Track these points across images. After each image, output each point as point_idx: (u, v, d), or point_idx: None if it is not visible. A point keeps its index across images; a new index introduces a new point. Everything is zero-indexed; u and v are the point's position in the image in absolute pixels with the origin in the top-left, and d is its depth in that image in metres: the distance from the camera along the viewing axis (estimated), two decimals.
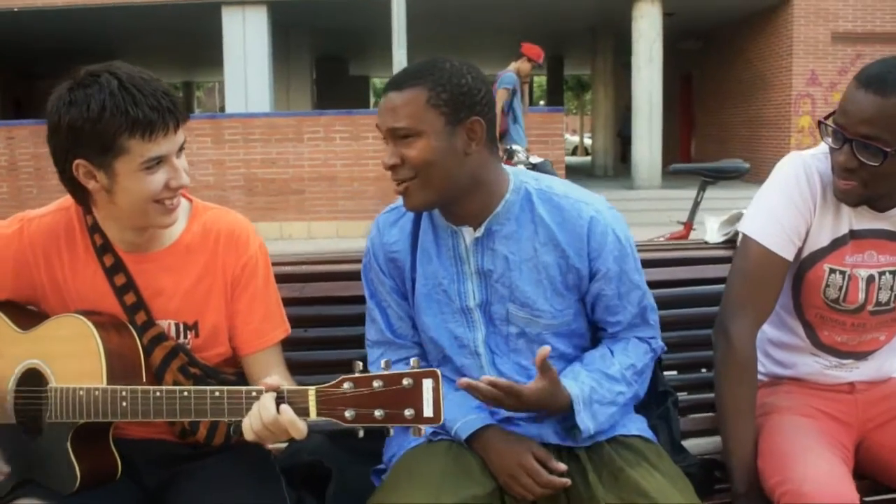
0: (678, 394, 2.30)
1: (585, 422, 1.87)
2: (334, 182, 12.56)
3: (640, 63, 16.54)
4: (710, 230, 2.70)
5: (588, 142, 34.31)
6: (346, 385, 1.56)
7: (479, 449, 1.90)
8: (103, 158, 1.74)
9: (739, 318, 2.02)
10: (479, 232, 1.94)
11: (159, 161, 1.77)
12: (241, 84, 15.89)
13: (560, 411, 1.87)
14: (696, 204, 4.76)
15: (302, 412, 1.61)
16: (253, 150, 12.58)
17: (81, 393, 1.77)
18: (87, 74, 1.76)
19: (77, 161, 1.76)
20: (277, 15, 16.27)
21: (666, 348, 2.10)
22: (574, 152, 37.83)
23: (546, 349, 1.78)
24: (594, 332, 2.07)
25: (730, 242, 2.60)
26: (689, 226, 4.87)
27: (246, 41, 15.98)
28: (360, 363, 1.58)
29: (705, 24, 19.93)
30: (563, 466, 1.87)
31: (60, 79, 1.80)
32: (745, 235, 2.07)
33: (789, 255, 2.04)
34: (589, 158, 26.70)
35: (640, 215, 11.02)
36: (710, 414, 2.48)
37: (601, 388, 1.90)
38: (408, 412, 1.53)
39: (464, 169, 1.86)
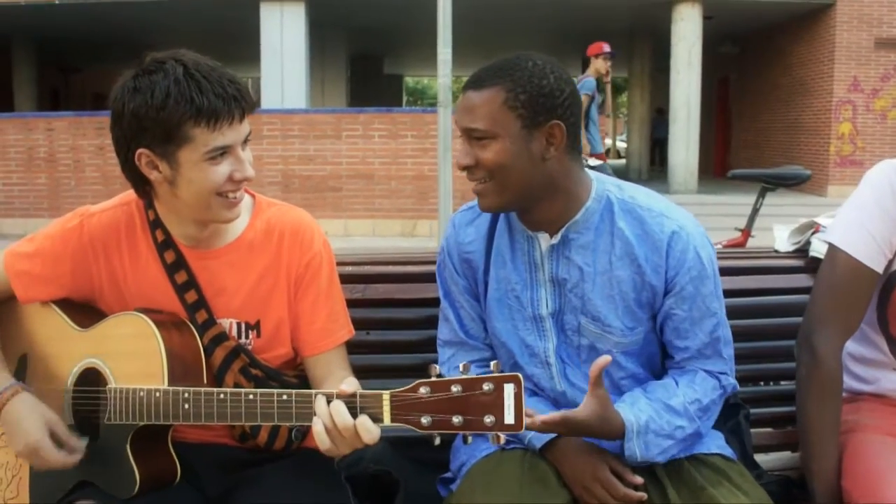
0: None
1: (633, 450, 1.77)
2: (371, 180, 12.50)
3: (679, 66, 16.36)
4: (780, 238, 2.60)
5: (620, 145, 34.09)
6: (422, 389, 1.49)
7: (554, 459, 1.83)
8: (166, 147, 1.69)
9: (825, 331, 1.93)
10: (556, 239, 1.86)
11: (224, 152, 1.71)
12: (277, 80, 15.90)
13: (611, 437, 1.78)
14: (755, 211, 4.63)
15: (376, 418, 1.54)
16: (291, 147, 12.55)
17: (142, 394, 1.72)
18: (153, 61, 1.71)
19: (140, 150, 1.71)
20: (315, 12, 16.26)
21: (738, 387, 1.97)
22: (607, 154, 37.55)
23: (606, 359, 1.69)
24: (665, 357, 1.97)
25: (801, 252, 2.51)
26: (746, 233, 4.74)
27: (283, 37, 15.98)
28: (437, 367, 1.51)
29: (744, 28, 19.68)
30: (639, 480, 1.79)
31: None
32: (832, 246, 1.98)
33: (880, 267, 1.94)
34: (622, 161, 26.49)
35: None
36: (779, 429, 2.40)
37: (660, 419, 1.79)
38: (488, 419, 1.45)
39: (541, 174, 1.78)
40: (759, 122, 20.36)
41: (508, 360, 1.95)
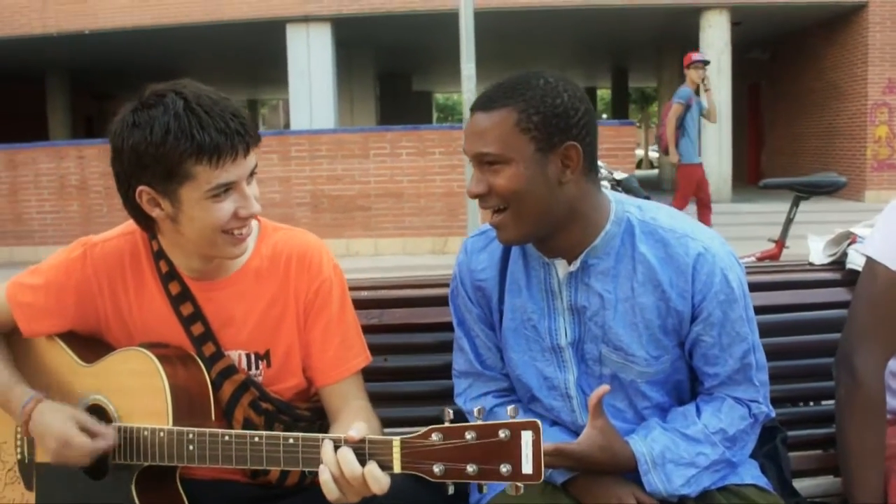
0: None
1: (654, 483, 1.68)
2: (401, 198, 12.46)
3: (709, 74, 16.19)
4: (815, 250, 2.48)
5: (653, 155, 33.88)
6: (434, 436, 1.41)
7: (577, 493, 1.73)
8: (167, 185, 1.62)
9: (866, 350, 1.83)
10: (574, 266, 1.75)
11: (228, 188, 1.64)
12: (305, 101, 15.98)
13: (622, 470, 1.69)
14: (789, 220, 4.50)
15: (385, 466, 1.46)
16: (319, 167, 12.55)
17: (146, 434, 1.66)
18: (152, 94, 1.64)
19: (140, 188, 1.65)
20: (341, 31, 16.34)
21: (774, 415, 1.86)
22: (639, 165, 37.34)
23: (604, 388, 1.62)
24: (694, 384, 1.86)
25: (837, 264, 2.39)
26: (780, 244, 4.60)
27: (310, 58, 16.07)
28: (451, 411, 1.42)
29: (774, 33, 19.47)
30: None
31: (129, 98, 1.68)
32: (870, 259, 1.87)
33: None
34: (655, 171, 26.31)
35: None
36: (818, 452, 2.27)
37: (676, 448, 1.70)
38: (504, 468, 1.37)
39: (558, 199, 1.68)
40: (792, 128, 20.09)
41: (526, 393, 1.86)
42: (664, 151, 9.68)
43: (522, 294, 1.82)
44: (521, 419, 1.38)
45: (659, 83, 22.27)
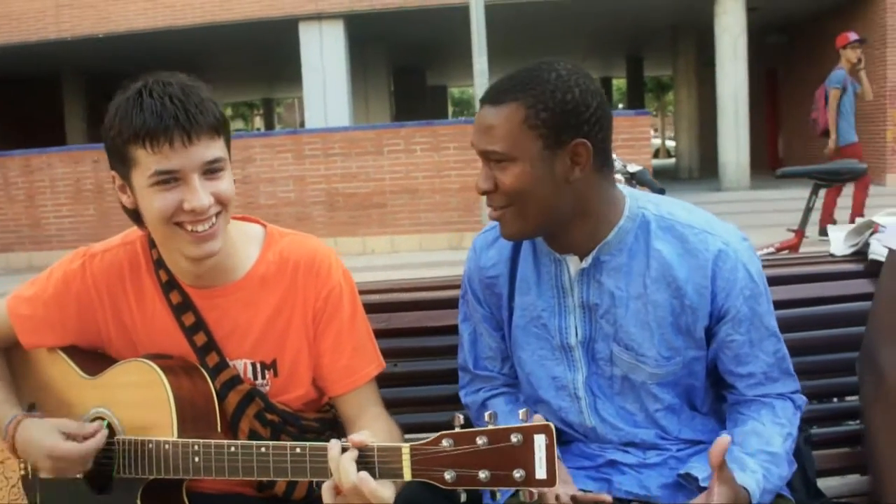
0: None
1: None
2: (416, 194, 12.41)
3: (725, 60, 16.05)
4: (836, 241, 2.42)
5: (669, 144, 33.70)
6: (444, 442, 1.37)
7: None
8: (123, 170, 1.62)
9: (890, 347, 1.76)
10: (586, 262, 1.70)
11: (173, 178, 1.58)
12: (319, 99, 15.95)
13: None
14: (809, 210, 4.41)
15: (394, 474, 1.41)
16: (333, 165, 12.53)
17: (151, 446, 1.63)
18: (132, 82, 1.63)
19: (112, 172, 1.66)
20: (354, 28, 16.30)
21: (807, 401, 1.81)
22: (656, 155, 37.15)
23: (726, 440, 1.49)
24: (716, 389, 1.80)
25: (859, 254, 2.33)
26: (800, 234, 4.51)
27: (323, 55, 16.04)
28: (461, 416, 1.39)
29: (790, 18, 19.24)
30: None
31: None
32: (892, 252, 1.81)
33: None
34: (672, 160, 26.15)
35: (729, 219, 10.56)
36: (844, 449, 2.20)
37: (771, 476, 1.62)
38: (517, 473, 1.33)
39: (565, 198, 1.63)
40: (811, 113, 19.85)
41: (533, 393, 1.81)
42: (820, 135, 9.87)
43: (532, 291, 1.78)
44: (532, 423, 1.33)
45: (674, 71, 22.08)
